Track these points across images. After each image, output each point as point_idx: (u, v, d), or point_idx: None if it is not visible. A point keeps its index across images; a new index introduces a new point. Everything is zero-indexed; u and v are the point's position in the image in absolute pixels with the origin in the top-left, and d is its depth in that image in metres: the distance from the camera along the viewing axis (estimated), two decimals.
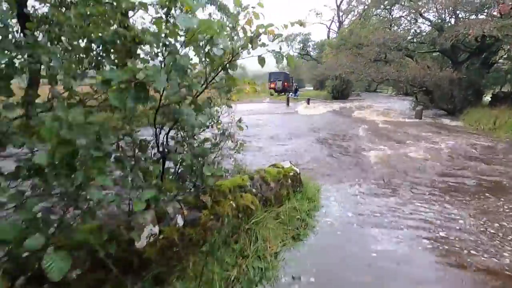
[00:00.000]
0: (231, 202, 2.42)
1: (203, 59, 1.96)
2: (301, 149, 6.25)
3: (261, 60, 1.97)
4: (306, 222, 2.81)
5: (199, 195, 2.30)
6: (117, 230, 1.72)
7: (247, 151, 5.74)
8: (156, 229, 1.90)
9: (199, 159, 2.44)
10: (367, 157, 5.53)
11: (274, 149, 6.28)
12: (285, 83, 27.83)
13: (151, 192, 1.60)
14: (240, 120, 2.99)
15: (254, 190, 2.71)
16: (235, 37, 2.03)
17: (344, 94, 24.84)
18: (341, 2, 25.75)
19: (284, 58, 2.01)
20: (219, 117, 3.11)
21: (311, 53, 30.48)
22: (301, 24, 2.93)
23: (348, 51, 15.21)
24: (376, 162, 5.22)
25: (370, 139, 7.34)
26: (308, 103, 16.68)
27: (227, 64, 2.05)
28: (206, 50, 1.91)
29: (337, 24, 25.98)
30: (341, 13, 26.20)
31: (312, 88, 40.74)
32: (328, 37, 27.15)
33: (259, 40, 2.03)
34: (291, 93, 24.83)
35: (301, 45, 29.75)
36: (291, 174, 3.20)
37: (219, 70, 2.09)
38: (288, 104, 17.96)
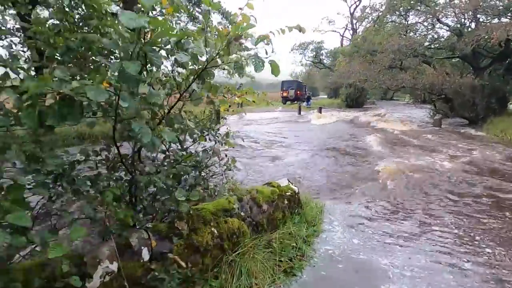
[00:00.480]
0: (213, 229, 2.11)
1: (172, 67, 1.69)
2: (308, 161, 5.88)
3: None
4: (302, 251, 2.44)
5: (174, 221, 2.01)
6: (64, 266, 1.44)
7: (251, 165, 5.45)
8: (114, 266, 1.62)
9: (178, 179, 2.17)
10: (378, 172, 5.08)
11: (280, 161, 5.95)
12: (298, 92, 27.50)
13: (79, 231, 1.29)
14: (228, 135, 2.72)
15: (242, 214, 2.39)
16: (213, 42, 1.76)
17: (358, 103, 24.20)
18: (354, 9, 25.39)
19: (267, 64, 1.71)
20: (208, 130, 2.86)
21: (325, 61, 30.09)
22: (300, 29, 2.67)
23: (361, 58, 14.76)
24: (388, 177, 4.77)
25: (383, 151, 6.86)
26: (320, 112, 16.25)
27: (202, 72, 1.78)
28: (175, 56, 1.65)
29: (351, 31, 25.57)
30: (354, 21, 25.80)
31: (326, 96, 40.20)
32: (342, 45, 26.73)
33: (240, 44, 1.75)
34: (304, 102, 24.48)
35: (314, 53, 29.43)
36: (288, 194, 2.85)
37: (193, 78, 1.82)
38: (300, 113, 17.60)
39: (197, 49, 1.69)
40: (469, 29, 12.92)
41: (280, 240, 2.43)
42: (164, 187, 1.95)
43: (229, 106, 3.66)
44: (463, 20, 13.18)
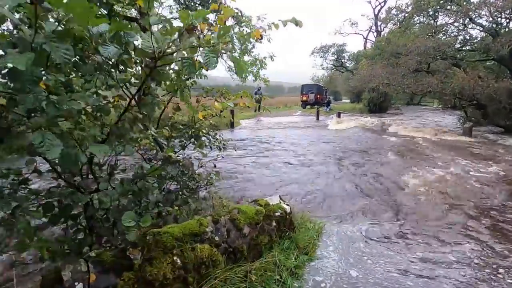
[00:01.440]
0: (175, 258, 1.78)
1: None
2: (314, 173, 5.42)
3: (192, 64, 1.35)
4: (287, 286, 2.05)
5: (127, 248, 1.70)
6: None
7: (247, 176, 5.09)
8: None
9: (138, 197, 1.87)
10: (391, 189, 4.53)
11: (283, 172, 5.54)
12: (318, 96, 26.78)
13: None
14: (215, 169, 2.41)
15: (217, 239, 2.04)
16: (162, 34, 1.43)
17: (381, 108, 23.09)
18: (379, 11, 24.39)
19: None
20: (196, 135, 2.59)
21: (347, 65, 29.14)
22: (296, 23, 2.32)
23: (385, 61, 13.98)
24: (402, 197, 4.22)
25: (401, 164, 6.22)
26: (339, 117, 15.56)
27: (152, 72, 1.46)
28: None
29: (375, 34, 24.55)
30: (379, 23, 24.78)
31: (349, 101, 38.98)
32: (365, 47, 25.74)
33: (198, 37, 1.42)
34: (323, 106, 23.76)
35: (336, 56, 28.59)
36: (278, 214, 2.46)
37: (142, 80, 1.51)
38: (318, 118, 16.99)
39: (145, 44, 1.38)
40: (506, 29, 11.80)
41: (261, 272, 2.05)
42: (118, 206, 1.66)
43: (220, 111, 3.36)
44: (499, 19, 12.08)
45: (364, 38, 26.64)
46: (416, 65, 12.04)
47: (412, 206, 3.78)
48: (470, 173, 5.39)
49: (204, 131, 3.83)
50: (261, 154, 7.24)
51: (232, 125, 12.71)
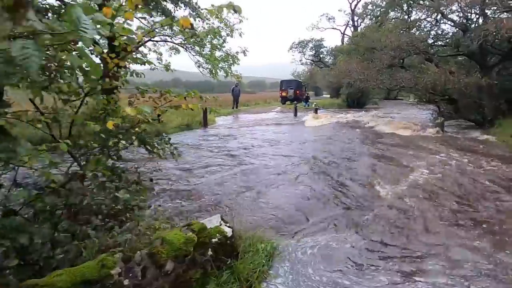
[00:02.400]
0: None
1: None
2: (277, 175, 5.08)
3: None
4: None
5: None
6: None
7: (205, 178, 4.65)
8: None
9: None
10: (362, 194, 4.25)
11: (246, 176, 5.16)
12: (297, 91, 26.60)
13: None
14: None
15: (127, 283, 1.61)
16: None
17: (360, 103, 23.24)
18: (355, 6, 24.41)
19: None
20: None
21: (326, 60, 29.13)
22: (235, 10, 1.99)
23: (360, 57, 13.88)
24: (374, 203, 3.95)
25: (374, 163, 6.00)
26: (316, 113, 15.38)
27: None
28: None
29: (352, 29, 24.59)
30: (356, 18, 24.84)
31: (329, 96, 39.15)
32: (343, 42, 25.75)
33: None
34: (302, 102, 23.62)
35: (313, 51, 28.48)
36: (215, 240, 2.07)
37: None
38: (295, 115, 16.74)
39: None
40: (476, 24, 11.95)
41: None
42: None
43: (158, 115, 2.92)
44: (469, 15, 12.21)
45: (341, 33, 26.68)
46: (390, 60, 11.98)
47: (381, 214, 3.51)
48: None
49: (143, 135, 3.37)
50: (225, 157, 6.82)
51: (205, 124, 12.18)
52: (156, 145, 3.67)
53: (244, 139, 8.92)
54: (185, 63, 13.41)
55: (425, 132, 10.06)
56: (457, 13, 13.37)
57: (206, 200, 3.90)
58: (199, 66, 10.37)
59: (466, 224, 3.19)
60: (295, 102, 22.72)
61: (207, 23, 10.16)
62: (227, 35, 10.28)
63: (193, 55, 10.14)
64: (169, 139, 3.85)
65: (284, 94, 26.43)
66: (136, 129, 2.49)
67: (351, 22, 25.24)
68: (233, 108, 21.29)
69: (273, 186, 4.50)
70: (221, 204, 3.77)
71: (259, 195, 4.06)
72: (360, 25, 23.22)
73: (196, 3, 9.17)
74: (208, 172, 5.38)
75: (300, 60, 28.99)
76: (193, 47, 9.80)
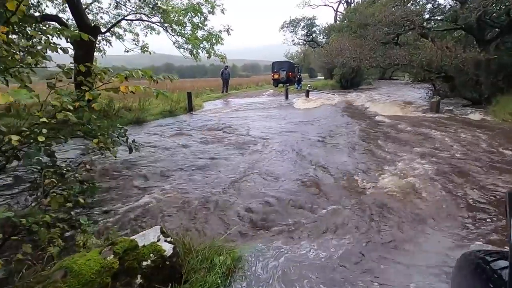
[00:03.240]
0: None
1: None
2: (253, 166, 4.61)
3: None
4: None
5: None
6: None
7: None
8: None
9: None
10: (345, 187, 3.80)
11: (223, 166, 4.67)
12: (290, 73, 25.78)
13: None
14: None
15: None
16: None
17: (353, 83, 22.64)
18: None
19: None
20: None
21: (319, 39, 28.08)
22: None
23: (353, 34, 13.15)
24: (356, 198, 3.50)
25: (361, 148, 5.53)
26: (308, 96, 14.80)
27: None
28: None
29: (345, 5, 23.51)
30: None
31: (323, 77, 38.24)
32: (336, 21, 24.71)
33: None
34: (295, 84, 22.92)
35: (306, 31, 27.40)
36: (147, 263, 1.60)
37: None
38: (287, 98, 16.13)
39: None
40: None
41: None
42: None
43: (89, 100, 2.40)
44: None
45: (334, 10, 25.54)
46: (384, 36, 11.31)
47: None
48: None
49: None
50: (206, 143, 6.31)
51: (190, 109, 11.57)
52: (108, 138, 3.16)
53: (225, 125, 8.35)
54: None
55: (419, 112, 9.60)
56: None
57: (157, 203, 3.39)
58: (178, 47, 9.62)
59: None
60: (287, 84, 22.04)
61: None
62: (209, 12, 9.50)
63: (172, 35, 9.37)
64: (125, 130, 3.32)
65: (276, 76, 25.64)
66: (53, 120, 1.96)
67: None
68: (222, 92, 20.62)
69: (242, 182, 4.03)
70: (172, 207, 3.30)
71: (226, 194, 3.60)
72: (354, 1, 22.17)
73: None
74: (167, 169, 4.88)
75: (293, 41, 27.91)
76: (170, 26, 9.02)
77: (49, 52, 2.26)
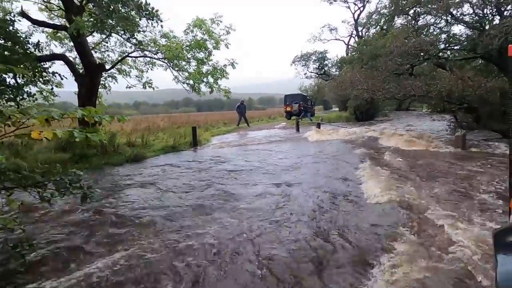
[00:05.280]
0: None
1: None
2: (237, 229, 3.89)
3: None
4: None
5: None
6: None
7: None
8: None
9: None
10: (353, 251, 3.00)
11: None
12: (302, 106, 25.55)
13: None
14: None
15: None
16: None
17: (368, 115, 21.90)
18: (358, 15, 23.56)
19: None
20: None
21: (331, 72, 28.14)
22: None
23: (364, 65, 12.76)
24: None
25: (373, 199, 4.71)
26: (319, 128, 14.20)
27: None
28: None
29: (356, 39, 23.63)
30: (360, 28, 23.93)
31: (338, 109, 37.84)
32: (347, 54, 24.77)
33: None
34: (308, 116, 22.56)
35: (318, 64, 27.58)
36: None
37: None
38: (298, 130, 15.60)
39: None
40: (493, 23, 10.68)
41: None
42: None
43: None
44: (484, 11, 10.99)
45: (345, 44, 25.73)
46: (397, 67, 10.79)
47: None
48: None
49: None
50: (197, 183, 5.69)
51: (195, 144, 11.18)
52: (56, 186, 2.62)
53: (220, 167, 7.73)
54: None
55: (442, 147, 8.67)
56: (469, 15, 12.21)
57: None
58: (177, 82, 9.47)
59: None
60: (299, 117, 21.66)
61: (192, 35, 9.38)
62: (213, 47, 9.44)
63: (176, 70, 9.28)
64: (79, 175, 2.79)
65: (288, 109, 25.45)
66: None
67: (355, 32, 24.32)
68: (237, 125, 20.81)
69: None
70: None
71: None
72: (365, 35, 22.25)
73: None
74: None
75: (305, 74, 28.05)
76: (172, 61, 8.94)
77: None
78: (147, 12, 6.45)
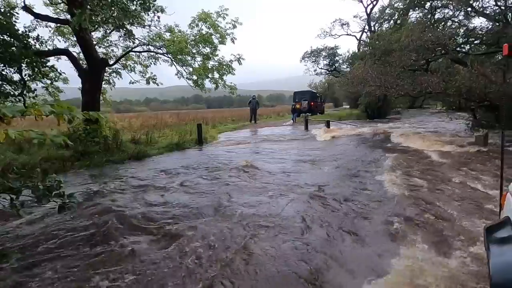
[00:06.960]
0: None
1: None
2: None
3: None
4: None
5: None
6: None
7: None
8: None
9: None
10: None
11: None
12: (312, 103, 24.99)
13: None
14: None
15: None
16: None
17: (381, 113, 21.14)
18: (371, 10, 22.74)
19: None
20: None
21: (343, 68, 27.37)
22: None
23: (377, 61, 12.20)
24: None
25: (393, 206, 4.32)
26: (328, 126, 13.73)
27: None
28: None
29: (368, 34, 22.84)
30: (372, 23, 23.13)
31: (348, 106, 36.97)
32: (359, 49, 24.02)
33: None
34: (318, 114, 22.06)
35: (328, 60, 26.90)
36: None
37: None
38: (306, 128, 15.18)
39: None
40: None
41: None
42: None
43: None
44: (506, 4, 10.31)
45: (357, 39, 24.94)
46: (412, 63, 10.23)
47: None
48: None
49: None
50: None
51: (200, 142, 10.91)
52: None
53: (221, 166, 7.37)
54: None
55: (461, 147, 8.12)
56: (491, 7, 11.50)
57: None
58: (179, 77, 9.17)
59: None
60: (309, 114, 21.17)
61: (197, 29, 9.06)
62: (219, 42, 9.12)
63: (179, 66, 8.98)
64: (59, 182, 2.52)
65: (298, 106, 24.90)
66: None
67: (367, 27, 23.52)
68: (250, 121, 20.68)
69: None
70: None
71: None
72: (378, 30, 21.50)
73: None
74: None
75: (315, 70, 27.38)
76: (175, 57, 8.65)
77: None
78: (141, 1, 6.16)
